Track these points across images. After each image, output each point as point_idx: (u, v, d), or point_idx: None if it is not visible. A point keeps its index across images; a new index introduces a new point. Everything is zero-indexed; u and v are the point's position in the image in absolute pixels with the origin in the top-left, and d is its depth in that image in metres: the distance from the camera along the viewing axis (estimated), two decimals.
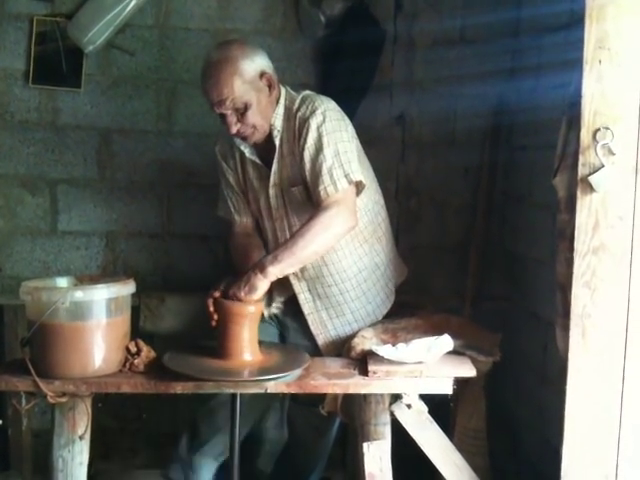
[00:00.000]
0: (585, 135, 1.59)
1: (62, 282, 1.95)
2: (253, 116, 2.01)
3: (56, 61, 2.73)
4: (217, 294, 1.91)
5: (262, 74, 2.02)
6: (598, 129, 1.58)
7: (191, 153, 2.83)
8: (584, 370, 1.64)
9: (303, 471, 2.49)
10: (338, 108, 2.09)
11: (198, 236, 2.86)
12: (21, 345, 1.78)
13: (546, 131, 2.36)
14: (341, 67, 2.67)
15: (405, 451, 1.96)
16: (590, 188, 1.59)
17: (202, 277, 2.84)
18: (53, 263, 2.85)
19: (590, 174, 1.59)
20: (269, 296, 2.19)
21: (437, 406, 1.98)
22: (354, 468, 2.27)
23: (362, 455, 1.88)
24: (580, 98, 1.60)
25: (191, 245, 2.87)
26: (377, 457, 1.87)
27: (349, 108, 2.70)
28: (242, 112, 2.00)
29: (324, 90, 2.76)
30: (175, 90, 2.81)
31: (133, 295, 1.89)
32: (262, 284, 1.86)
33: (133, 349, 1.85)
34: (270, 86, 2.04)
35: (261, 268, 1.86)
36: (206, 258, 2.87)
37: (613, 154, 1.58)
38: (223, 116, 2.02)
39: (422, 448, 1.93)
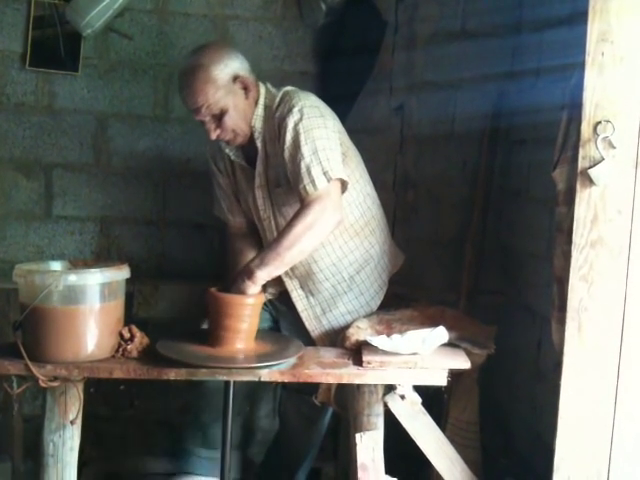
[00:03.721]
0: (586, 128, 1.58)
1: (56, 266, 1.94)
2: (231, 120, 2.01)
3: (54, 44, 2.71)
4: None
5: (235, 78, 2.01)
6: (599, 122, 1.57)
7: (188, 140, 2.81)
8: (579, 364, 1.63)
9: (294, 461, 2.48)
10: (318, 103, 2.05)
11: (193, 224, 2.85)
12: (13, 328, 1.77)
13: (545, 126, 2.35)
14: (341, 57, 2.66)
15: (397, 443, 1.95)
16: (589, 181, 1.58)
17: (196, 265, 2.85)
18: (47, 248, 2.83)
19: (590, 167, 1.58)
20: (263, 285, 2.18)
21: (430, 398, 1.97)
22: (346, 459, 2.27)
23: (354, 446, 1.88)
24: (581, 91, 1.59)
25: (186, 233, 2.86)
26: (370, 448, 1.87)
27: (348, 97, 2.72)
28: (220, 117, 2.01)
29: (324, 78, 2.76)
30: (173, 76, 2.77)
31: (127, 282, 1.88)
32: (252, 290, 1.86)
33: (126, 335, 1.84)
34: (246, 89, 2.03)
35: (249, 274, 1.85)
36: (201, 246, 2.85)
37: (614, 148, 1.57)
38: (203, 123, 2.03)
39: (415, 440, 1.92)
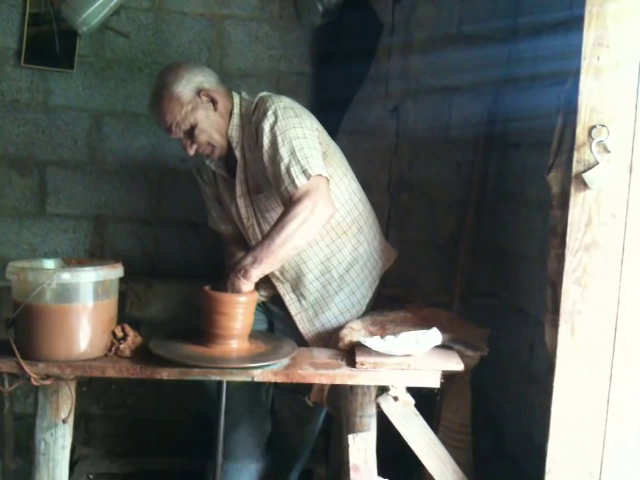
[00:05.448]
0: (581, 132, 1.59)
1: (49, 263, 1.93)
2: (203, 134, 2.04)
3: (49, 42, 2.69)
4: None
5: (199, 91, 2.02)
6: (594, 126, 1.58)
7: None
8: (572, 367, 1.64)
9: (287, 461, 2.48)
10: (292, 105, 2.06)
11: (188, 223, 2.84)
12: (6, 326, 1.76)
13: (540, 129, 2.36)
14: (337, 57, 2.66)
15: (390, 444, 1.95)
16: (584, 185, 1.59)
17: (190, 264, 2.84)
18: (40, 245, 2.81)
19: (584, 171, 1.58)
20: (257, 285, 2.18)
21: (422, 400, 1.98)
22: (338, 460, 2.27)
23: (347, 447, 1.88)
24: (576, 95, 1.59)
25: (180, 231, 2.85)
26: (362, 449, 1.87)
27: (344, 99, 2.72)
28: (191, 133, 2.04)
29: (320, 80, 2.76)
30: None
31: (120, 280, 1.87)
32: (247, 287, 1.87)
33: (119, 334, 1.84)
34: (213, 101, 2.05)
35: (244, 272, 1.85)
36: (195, 245, 2.85)
37: (608, 152, 1.57)
38: (179, 140, 2.07)
39: (407, 441, 1.92)
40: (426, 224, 2.89)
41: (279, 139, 1.95)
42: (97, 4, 2.58)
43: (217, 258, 2.54)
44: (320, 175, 1.94)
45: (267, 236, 1.89)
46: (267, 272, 1.92)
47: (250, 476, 2.38)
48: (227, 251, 2.32)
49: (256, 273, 1.86)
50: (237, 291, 1.85)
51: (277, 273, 2.15)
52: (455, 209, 2.86)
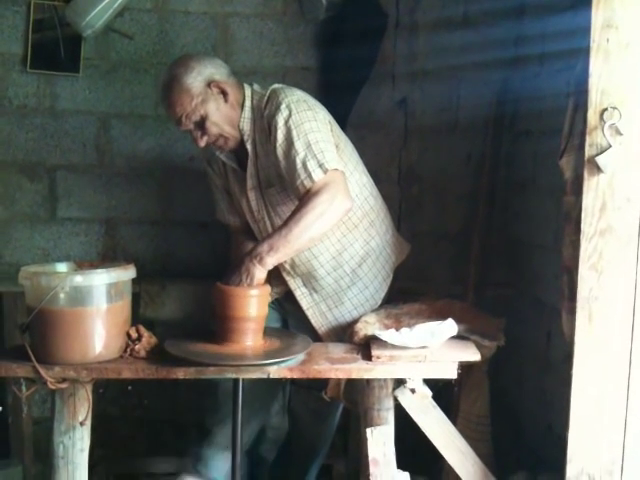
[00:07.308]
0: (592, 115, 1.57)
1: (62, 267, 1.93)
2: (214, 126, 2.03)
3: (54, 46, 2.70)
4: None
5: (210, 83, 2.01)
6: (605, 109, 1.56)
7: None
8: (590, 354, 1.62)
9: (305, 458, 2.48)
10: (305, 97, 2.04)
11: (198, 223, 2.84)
12: (21, 331, 1.76)
13: (550, 115, 2.34)
14: (343, 51, 2.64)
15: (409, 436, 1.94)
16: (597, 169, 1.57)
17: (202, 264, 2.84)
18: (52, 250, 2.83)
19: (597, 155, 1.57)
20: (268, 282, 2.18)
21: (439, 391, 1.96)
22: (357, 454, 2.26)
23: (365, 441, 1.87)
24: (587, 78, 1.57)
25: (191, 232, 2.85)
26: (380, 442, 1.86)
27: (351, 91, 2.71)
28: (202, 125, 2.02)
29: (326, 73, 2.75)
30: None
31: (133, 282, 1.87)
32: (262, 274, 1.86)
33: (134, 335, 1.84)
34: (223, 93, 2.03)
35: (259, 259, 1.84)
36: (206, 245, 2.85)
37: (621, 134, 1.56)
38: (189, 132, 2.06)
39: (426, 433, 1.91)
40: (437, 215, 2.88)
41: (294, 133, 1.93)
42: (100, 6, 2.59)
43: (227, 257, 2.54)
44: (336, 169, 1.93)
45: (284, 225, 1.88)
46: (281, 261, 1.93)
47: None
48: (234, 242, 2.31)
49: (271, 261, 1.85)
50: (251, 277, 1.84)
51: (288, 267, 2.14)
52: (466, 200, 2.84)
